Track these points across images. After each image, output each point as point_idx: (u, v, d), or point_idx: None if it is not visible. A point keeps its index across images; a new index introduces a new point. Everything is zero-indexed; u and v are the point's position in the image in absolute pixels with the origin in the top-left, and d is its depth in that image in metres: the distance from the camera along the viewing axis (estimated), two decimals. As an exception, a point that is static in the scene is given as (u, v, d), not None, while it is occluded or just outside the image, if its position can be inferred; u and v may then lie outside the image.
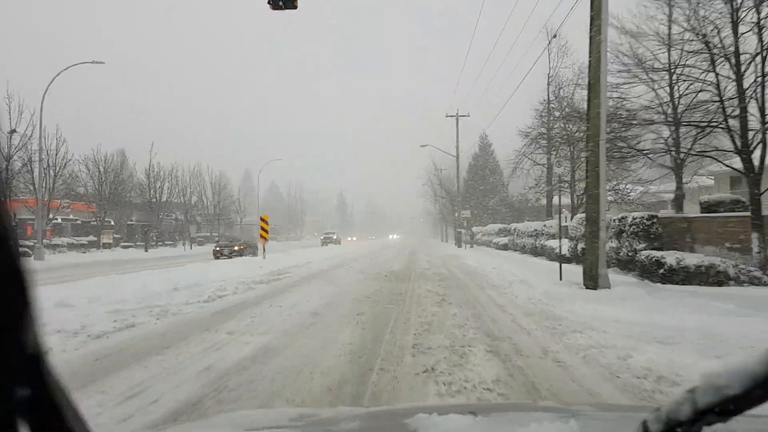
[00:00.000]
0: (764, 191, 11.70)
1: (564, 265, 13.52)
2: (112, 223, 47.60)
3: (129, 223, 44.87)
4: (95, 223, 42.89)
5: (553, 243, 20.44)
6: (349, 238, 70.57)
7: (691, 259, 11.90)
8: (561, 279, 12.54)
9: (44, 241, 28.77)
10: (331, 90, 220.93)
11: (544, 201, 43.09)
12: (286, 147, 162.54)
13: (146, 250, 39.08)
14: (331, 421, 1.60)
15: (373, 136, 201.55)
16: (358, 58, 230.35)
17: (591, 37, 10.48)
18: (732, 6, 11.54)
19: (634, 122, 14.59)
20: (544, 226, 22.51)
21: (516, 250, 27.81)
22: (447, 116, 42.02)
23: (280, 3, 9.73)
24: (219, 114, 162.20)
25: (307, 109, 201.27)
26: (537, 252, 22.66)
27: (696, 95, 13.62)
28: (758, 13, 11.00)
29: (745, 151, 11.75)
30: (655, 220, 13.97)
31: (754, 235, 11.48)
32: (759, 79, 11.19)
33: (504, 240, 32.40)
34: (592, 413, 1.71)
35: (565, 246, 18.82)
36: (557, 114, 24.03)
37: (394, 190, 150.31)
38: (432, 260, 23.47)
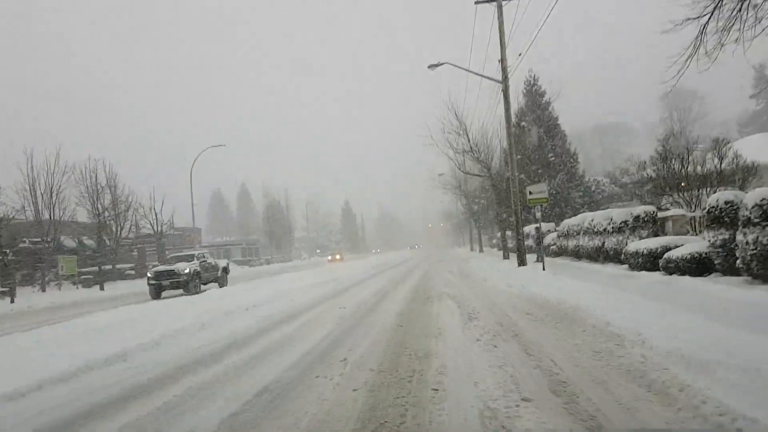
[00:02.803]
0: None
1: None
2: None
3: None
4: None
5: None
6: (329, 257, 49.69)
7: None
8: None
9: None
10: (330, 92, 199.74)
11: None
12: (285, 159, 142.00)
13: None
14: None
15: (379, 138, 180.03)
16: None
17: None
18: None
19: None
20: None
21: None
22: (477, 2, 20.60)
23: None
24: (207, 127, 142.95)
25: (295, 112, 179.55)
26: None
27: None
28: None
29: None
30: None
31: None
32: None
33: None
34: None
35: None
36: None
37: (409, 196, 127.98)
38: None
